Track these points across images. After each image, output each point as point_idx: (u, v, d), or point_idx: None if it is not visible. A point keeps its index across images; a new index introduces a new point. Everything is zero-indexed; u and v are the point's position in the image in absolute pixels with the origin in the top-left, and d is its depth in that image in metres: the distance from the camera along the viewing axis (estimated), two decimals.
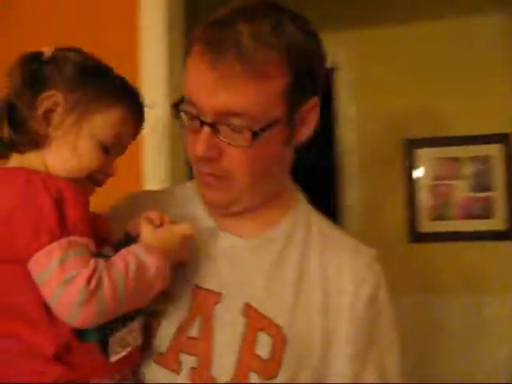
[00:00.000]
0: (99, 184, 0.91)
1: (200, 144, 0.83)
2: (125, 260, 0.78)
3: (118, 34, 1.76)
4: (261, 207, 0.93)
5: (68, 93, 0.85)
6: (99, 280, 0.74)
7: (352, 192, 3.01)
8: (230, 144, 0.82)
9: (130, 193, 1.07)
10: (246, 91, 0.80)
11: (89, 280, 0.73)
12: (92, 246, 0.79)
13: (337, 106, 3.09)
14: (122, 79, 0.92)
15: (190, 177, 1.00)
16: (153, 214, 0.88)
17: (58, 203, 0.76)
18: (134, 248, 0.81)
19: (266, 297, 0.87)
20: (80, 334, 0.77)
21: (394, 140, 2.97)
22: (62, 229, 0.75)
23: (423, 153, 2.94)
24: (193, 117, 0.85)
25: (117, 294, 0.75)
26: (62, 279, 0.73)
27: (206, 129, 0.82)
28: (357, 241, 0.97)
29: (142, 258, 0.79)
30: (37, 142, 0.85)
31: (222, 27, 0.81)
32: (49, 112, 0.85)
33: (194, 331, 0.86)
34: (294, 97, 0.85)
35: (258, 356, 0.83)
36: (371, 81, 2.97)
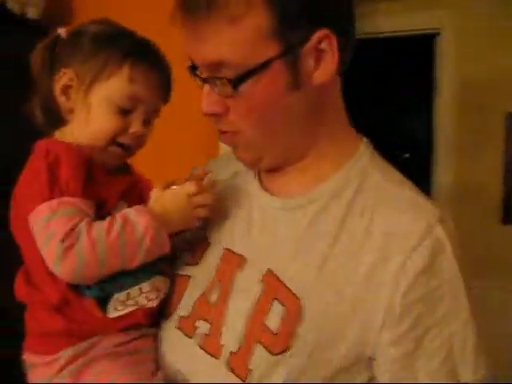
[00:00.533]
0: (129, 149, 0.91)
1: (203, 100, 0.80)
2: (111, 219, 0.80)
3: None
4: (307, 162, 0.85)
5: (79, 66, 0.88)
6: (77, 237, 0.77)
7: (448, 169, 2.89)
8: (226, 97, 0.78)
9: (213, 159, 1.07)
10: (219, 39, 0.75)
11: (65, 237, 0.76)
12: (86, 206, 0.81)
13: (436, 74, 2.95)
14: (137, 40, 0.92)
15: None
16: (198, 172, 0.89)
17: (52, 166, 0.80)
18: (127, 209, 0.82)
19: (291, 263, 0.79)
20: (78, 289, 0.81)
21: (496, 113, 2.80)
22: (54, 190, 0.79)
23: None
24: (196, 74, 0.82)
25: (96, 251, 0.77)
26: (44, 237, 0.78)
27: (206, 85, 0.80)
28: (421, 196, 0.81)
29: (131, 217, 0.80)
30: (63, 119, 0.90)
31: None
32: (66, 88, 0.89)
33: (213, 296, 0.83)
34: (285, 32, 0.74)
35: (267, 327, 0.76)
36: (473, 48, 2.80)
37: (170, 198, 0.85)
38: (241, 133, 0.81)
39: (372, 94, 3.95)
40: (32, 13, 1.77)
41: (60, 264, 0.77)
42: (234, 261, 0.84)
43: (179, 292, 0.88)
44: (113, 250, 0.78)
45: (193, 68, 0.81)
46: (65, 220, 0.78)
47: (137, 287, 0.83)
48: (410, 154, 4.39)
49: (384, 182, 0.82)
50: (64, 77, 0.88)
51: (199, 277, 0.87)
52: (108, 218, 0.80)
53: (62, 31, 0.92)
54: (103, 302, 0.82)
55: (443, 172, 2.92)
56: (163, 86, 0.92)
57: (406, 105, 4.33)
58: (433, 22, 2.90)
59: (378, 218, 0.78)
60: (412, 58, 3.51)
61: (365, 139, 0.88)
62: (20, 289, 0.87)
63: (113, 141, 0.88)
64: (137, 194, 0.90)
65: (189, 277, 0.88)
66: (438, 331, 0.74)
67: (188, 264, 0.89)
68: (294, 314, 0.76)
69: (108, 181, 0.87)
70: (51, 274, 0.80)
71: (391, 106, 4.32)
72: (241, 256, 0.84)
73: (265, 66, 0.75)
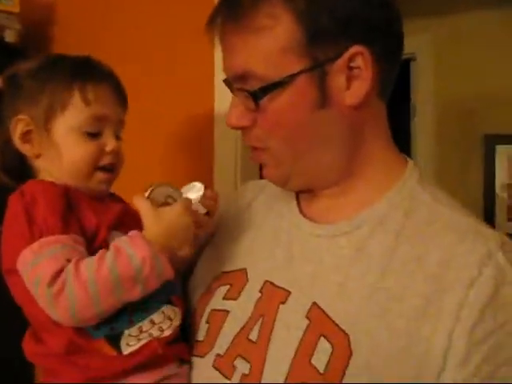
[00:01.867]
0: (112, 170, 0.88)
1: (229, 113, 0.78)
2: (101, 253, 0.75)
3: (194, 66, 1.73)
4: (348, 186, 0.80)
5: (29, 108, 0.85)
6: (65, 279, 0.72)
7: None
8: (253, 111, 0.75)
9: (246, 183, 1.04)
10: (245, 50, 0.73)
11: (51, 281, 0.72)
12: (70, 240, 0.76)
13: (414, 97, 2.98)
14: (74, 60, 0.88)
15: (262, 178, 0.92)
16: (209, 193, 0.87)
17: (28, 206, 0.77)
18: (119, 239, 0.77)
19: (337, 295, 0.73)
20: (86, 331, 0.77)
21: (472, 135, 2.83)
22: (33, 230, 0.76)
23: (503, 150, 2.78)
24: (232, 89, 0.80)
25: (88, 291, 0.72)
26: (32, 284, 0.74)
27: (234, 97, 0.78)
28: (478, 221, 0.75)
29: (124, 247, 0.75)
30: (34, 167, 0.88)
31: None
32: (26, 135, 0.86)
33: (254, 333, 0.77)
34: (313, 47, 0.71)
35: (314, 366, 0.69)
36: (450, 69, 2.84)
37: (167, 218, 0.78)
38: (269, 149, 0.78)
39: None
40: (9, 36, 1.76)
41: (53, 309, 0.73)
42: (276, 294, 0.78)
43: (216, 328, 0.81)
44: (106, 287, 0.73)
45: (227, 81, 0.80)
46: (49, 262, 0.73)
47: (148, 319, 0.79)
48: None
49: (435, 206, 0.76)
50: (19, 124, 0.85)
51: (238, 312, 0.81)
52: (99, 252, 0.75)
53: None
54: (114, 339, 0.77)
55: None
56: (118, 95, 0.90)
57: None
58: (409, 47, 2.93)
59: (432, 245, 0.71)
60: None
61: (411, 161, 0.83)
62: (29, 348, 0.82)
63: (94, 166, 0.86)
64: (132, 222, 0.84)
65: (227, 312, 0.82)
66: (509, 369, 0.65)
67: (225, 298, 0.83)
68: (343, 352, 0.69)
69: (97, 210, 0.83)
70: (54, 321, 0.75)
71: None
72: (283, 289, 0.78)
73: (289, 80, 0.72)
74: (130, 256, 0.74)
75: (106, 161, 0.87)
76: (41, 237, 0.75)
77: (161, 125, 1.73)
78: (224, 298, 0.83)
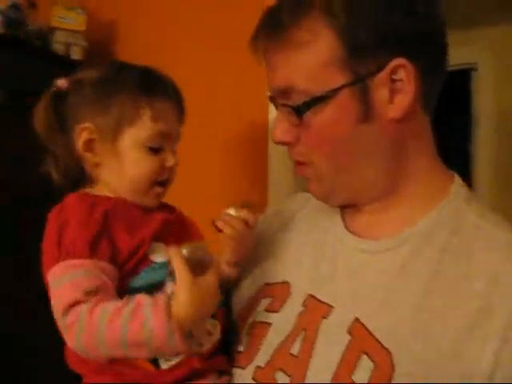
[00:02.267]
0: (167, 183, 0.89)
1: (274, 128, 0.78)
2: (119, 306, 0.71)
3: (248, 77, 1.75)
4: (392, 202, 0.79)
5: (95, 118, 0.85)
6: (78, 315, 0.72)
7: (488, 201, 2.82)
8: (297, 126, 0.76)
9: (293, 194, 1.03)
10: (286, 65, 0.74)
11: (64, 312, 0.72)
12: (95, 267, 0.74)
13: (475, 109, 2.92)
14: (142, 73, 0.88)
15: None
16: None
17: (62, 226, 0.78)
18: (144, 297, 0.73)
19: (380, 312, 0.72)
20: None
21: None
22: (61, 251, 0.76)
23: None
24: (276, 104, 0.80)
25: (95, 338, 0.71)
26: (53, 302, 0.75)
27: (279, 113, 0.78)
28: None
29: (144, 310, 0.71)
30: (91, 176, 0.88)
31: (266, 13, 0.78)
32: (89, 143, 0.86)
33: (295, 347, 0.76)
34: (354, 61, 0.71)
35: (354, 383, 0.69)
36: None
37: (200, 289, 0.74)
38: (312, 164, 0.78)
39: None
40: (75, 54, 1.84)
41: (65, 334, 0.74)
42: (318, 309, 0.77)
43: (257, 340, 0.81)
44: (112, 342, 0.71)
45: (272, 97, 0.81)
46: (69, 288, 0.73)
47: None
48: None
49: (482, 223, 0.75)
50: (83, 132, 0.85)
51: (280, 324, 0.80)
52: (121, 302, 0.72)
53: (61, 83, 0.88)
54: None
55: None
56: (180, 112, 0.90)
57: (445, 139, 4.28)
58: (470, 57, 2.88)
59: (479, 263, 0.70)
60: (449, 92, 3.49)
61: (457, 177, 0.81)
62: (70, 354, 0.81)
63: (154, 181, 0.87)
64: (177, 231, 0.86)
65: (269, 324, 0.81)
66: None
67: (268, 310, 0.83)
68: (385, 370, 0.67)
69: (138, 225, 0.82)
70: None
71: None
72: (326, 304, 0.77)
73: (331, 94, 0.72)
74: (145, 323, 0.69)
75: (164, 176, 0.88)
76: (66, 258, 0.75)
77: (216, 135, 1.77)
78: (266, 310, 0.83)
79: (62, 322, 0.73)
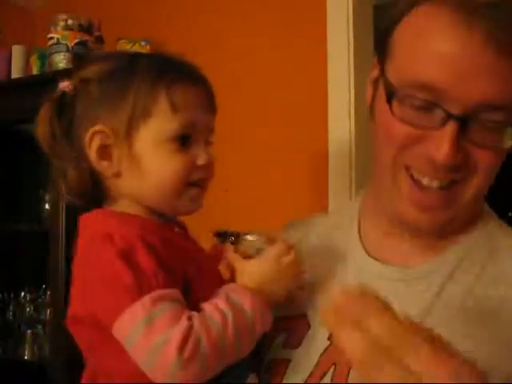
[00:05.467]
0: (204, 183, 0.76)
1: (446, 146, 0.64)
2: (219, 309, 0.66)
3: (307, 63, 1.80)
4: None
5: (108, 117, 0.71)
6: (197, 343, 0.63)
7: None
8: (479, 146, 0.66)
9: (289, 222, 0.96)
10: (507, 79, 0.64)
11: (182, 345, 0.62)
12: (179, 295, 0.66)
13: None
14: (158, 59, 0.75)
15: None
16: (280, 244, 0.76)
17: (128, 255, 0.65)
18: (225, 289, 0.70)
19: None
20: None
21: None
22: (140, 284, 0.64)
23: None
24: (425, 107, 0.66)
25: (219, 351, 0.65)
26: (152, 346, 0.62)
27: (454, 125, 0.64)
28: None
29: (237, 304, 0.67)
30: (110, 189, 0.74)
31: None
32: (104, 150, 0.72)
33: (325, 382, 0.70)
34: None
35: None
36: None
37: (260, 268, 0.72)
38: (463, 188, 0.69)
39: None
40: None
41: (180, 373, 0.63)
42: None
43: (277, 379, 0.75)
44: (232, 346, 0.66)
45: (406, 92, 0.68)
46: (170, 321, 0.63)
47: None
48: None
49: None
50: (95, 138, 0.71)
51: (300, 361, 0.75)
52: (212, 308, 0.67)
53: (64, 85, 0.74)
54: None
55: None
56: (209, 99, 0.76)
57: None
58: None
59: None
60: None
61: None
62: None
63: (185, 182, 0.73)
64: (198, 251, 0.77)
65: (288, 361, 0.76)
66: None
67: (285, 346, 0.77)
68: None
69: (179, 245, 0.73)
70: (126, 376, 0.67)
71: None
72: None
73: None
74: (245, 311, 0.67)
75: (197, 176, 0.74)
76: (150, 290, 0.64)
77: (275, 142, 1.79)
78: (283, 347, 0.78)
79: (179, 357, 0.62)
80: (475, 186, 0.69)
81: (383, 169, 0.72)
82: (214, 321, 0.65)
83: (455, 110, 0.64)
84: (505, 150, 0.67)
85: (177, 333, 0.62)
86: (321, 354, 0.73)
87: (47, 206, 2.04)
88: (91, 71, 0.74)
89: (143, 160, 0.71)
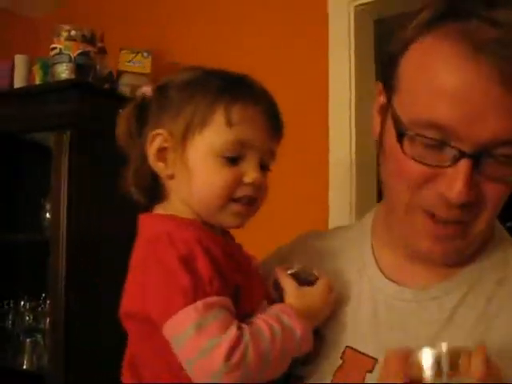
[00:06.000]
0: (251, 203, 0.77)
1: (460, 184, 0.64)
2: (269, 325, 0.69)
3: (308, 76, 1.81)
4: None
5: (171, 123, 0.76)
6: (244, 352, 0.66)
7: None
8: (491, 179, 0.66)
9: (298, 235, 0.96)
10: None
11: (230, 352, 0.65)
12: (230, 304, 0.69)
13: None
14: (228, 77, 0.79)
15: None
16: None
17: (188, 260, 0.68)
18: (276, 310, 0.73)
19: None
20: None
21: None
22: (198, 288, 0.67)
23: None
24: (436, 145, 0.66)
25: (263, 365, 0.67)
26: (200, 348, 0.65)
27: (467, 163, 0.64)
28: None
29: (285, 322, 0.71)
30: (166, 189, 0.79)
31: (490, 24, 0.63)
32: (162, 152, 0.77)
33: None
34: None
35: None
36: None
37: (311, 298, 0.76)
38: (474, 221, 0.70)
39: None
40: None
41: (221, 378, 0.65)
42: (361, 362, 0.74)
43: None
44: (275, 363, 0.69)
45: (416, 132, 0.67)
46: (220, 327, 0.66)
47: None
48: None
49: None
50: (156, 139, 0.76)
51: (313, 378, 0.76)
52: (262, 323, 0.70)
53: (146, 90, 0.80)
54: None
55: None
56: (270, 120, 0.78)
57: None
58: None
59: None
60: None
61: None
62: (127, 379, 0.77)
63: (229, 197, 0.75)
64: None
65: (300, 378, 0.77)
66: None
67: (297, 363, 0.78)
68: None
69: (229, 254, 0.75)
70: (167, 373, 0.71)
71: None
72: (368, 356, 0.74)
73: None
74: (293, 330, 0.71)
75: (242, 192, 0.75)
76: (205, 296, 0.67)
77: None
78: (295, 363, 0.78)
79: (225, 364, 0.64)
80: (487, 217, 0.70)
81: (395, 202, 0.73)
82: (263, 335, 0.68)
83: (466, 148, 0.64)
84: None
85: (227, 339, 0.65)
86: (334, 373, 0.75)
87: (48, 215, 2.04)
88: (171, 79, 0.79)
89: (193, 168, 0.75)
